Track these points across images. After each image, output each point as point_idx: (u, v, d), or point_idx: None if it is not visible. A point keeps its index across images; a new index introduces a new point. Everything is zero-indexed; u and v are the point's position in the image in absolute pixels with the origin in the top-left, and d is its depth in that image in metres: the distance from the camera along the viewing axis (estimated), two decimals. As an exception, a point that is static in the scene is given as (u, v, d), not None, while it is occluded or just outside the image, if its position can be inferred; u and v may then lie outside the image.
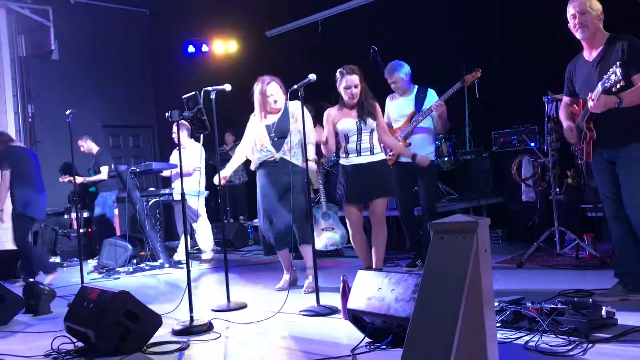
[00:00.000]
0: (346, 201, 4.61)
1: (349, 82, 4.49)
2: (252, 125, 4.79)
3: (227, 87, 4.42)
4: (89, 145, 8.17)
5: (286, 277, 4.83)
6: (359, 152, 4.55)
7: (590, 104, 3.37)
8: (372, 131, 4.54)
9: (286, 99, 4.59)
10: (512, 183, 6.29)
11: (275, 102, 4.63)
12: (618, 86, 3.20)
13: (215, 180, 4.72)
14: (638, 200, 3.41)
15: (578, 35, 3.51)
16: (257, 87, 4.67)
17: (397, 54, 5.33)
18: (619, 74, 3.14)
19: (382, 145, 4.70)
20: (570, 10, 3.50)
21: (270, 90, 4.62)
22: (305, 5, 8.67)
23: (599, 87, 3.28)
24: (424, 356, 1.90)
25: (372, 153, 4.55)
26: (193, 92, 4.23)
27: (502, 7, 6.71)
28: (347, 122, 4.55)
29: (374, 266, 4.59)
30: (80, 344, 3.36)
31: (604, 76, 3.25)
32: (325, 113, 4.67)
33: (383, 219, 4.60)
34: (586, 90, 3.49)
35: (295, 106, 4.56)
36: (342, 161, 4.67)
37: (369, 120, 4.50)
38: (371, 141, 4.54)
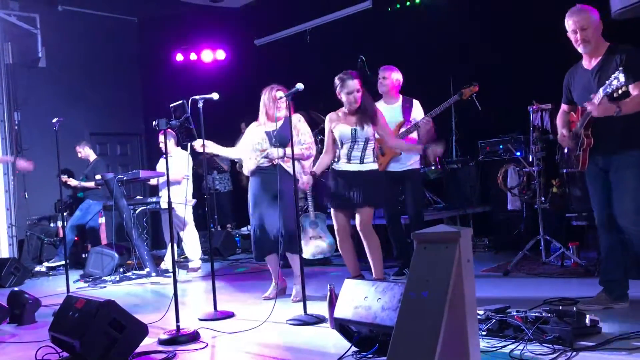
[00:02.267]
0: (331, 206, 4.61)
1: (350, 87, 4.41)
2: (251, 130, 4.85)
3: (215, 95, 4.43)
4: (86, 152, 8.11)
5: (273, 285, 4.82)
6: (348, 159, 4.47)
7: (589, 107, 3.40)
8: (367, 140, 4.43)
9: (288, 109, 4.50)
10: (498, 192, 6.34)
11: (279, 108, 4.66)
12: (620, 92, 3.25)
13: (198, 143, 4.61)
14: (626, 206, 3.44)
15: (580, 49, 3.53)
16: (266, 93, 4.74)
17: (385, 64, 5.37)
18: (622, 79, 3.18)
19: (375, 153, 4.58)
20: (571, 25, 3.50)
21: (279, 95, 4.67)
22: (294, 15, 8.71)
23: (601, 92, 3.31)
24: (408, 365, 1.92)
25: (361, 162, 4.45)
26: (180, 101, 4.23)
27: (488, 18, 6.78)
28: (343, 128, 4.47)
29: (373, 276, 4.49)
30: (65, 354, 3.34)
31: (606, 82, 3.29)
32: (327, 117, 4.65)
33: (366, 228, 4.45)
34: (584, 98, 3.52)
35: (297, 119, 4.66)
36: (333, 165, 4.64)
37: (366, 128, 4.41)
38: (364, 150, 4.44)
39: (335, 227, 4.61)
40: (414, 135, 5.20)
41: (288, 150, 4.52)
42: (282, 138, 4.63)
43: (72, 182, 7.89)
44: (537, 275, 4.93)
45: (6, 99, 8.72)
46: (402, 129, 5.18)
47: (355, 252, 4.66)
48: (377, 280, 3.48)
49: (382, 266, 4.49)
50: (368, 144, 4.45)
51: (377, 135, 4.55)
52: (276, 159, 4.66)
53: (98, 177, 7.11)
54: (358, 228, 4.47)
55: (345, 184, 4.49)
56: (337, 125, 4.52)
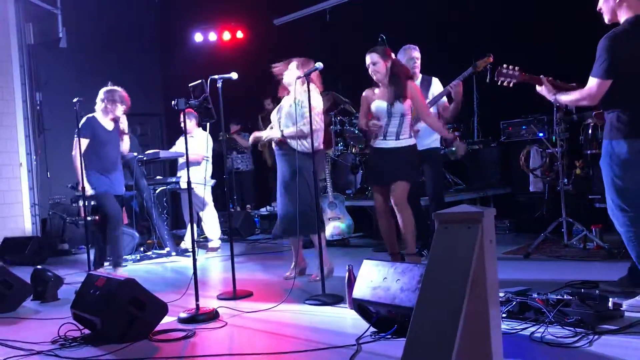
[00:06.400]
0: (369, 184, 4.67)
1: (367, 61, 4.53)
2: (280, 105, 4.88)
3: (234, 75, 4.42)
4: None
5: (294, 265, 4.83)
6: (384, 136, 4.55)
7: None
8: (402, 115, 4.48)
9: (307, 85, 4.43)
10: (520, 173, 6.25)
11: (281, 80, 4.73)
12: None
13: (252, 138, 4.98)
14: (608, 197, 3.32)
15: None
16: None
17: (405, 42, 5.28)
18: None
19: (412, 129, 4.63)
20: None
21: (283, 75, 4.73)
22: (313, -6, 8.62)
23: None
24: (427, 345, 1.90)
25: (397, 138, 4.52)
26: (199, 81, 4.22)
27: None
28: (380, 104, 4.55)
29: (407, 251, 4.57)
30: (86, 331, 3.39)
31: None
32: (362, 94, 4.71)
33: (400, 202, 4.47)
34: None
35: (304, 89, 4.53)
36: (371, 143, 4.69)
37: (397, 104, 4.46)
38: (400, 126, 4.50)
39: (375, 206, 4.69)
40: (434, 111, 5.14)
41: (286, 131, 4.59)
42: (288, 115, 4.63)
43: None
44: (559, 257, 4.87)
45: (28, 79, 8.79)
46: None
47: (394, 231, 4.67)
48: (396, 261, 3.45)
49: (414, 241, 4.55)
50: (405, 119, 4.50)
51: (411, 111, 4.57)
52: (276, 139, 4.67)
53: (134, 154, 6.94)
54: (392, 202, 4.52)
55: (382, 161, 4.57)
56: (374, 101, 4.57)
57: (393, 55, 4.59)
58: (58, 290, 4.64)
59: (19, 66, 8.68)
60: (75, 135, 5.28)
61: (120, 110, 5.41)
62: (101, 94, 5.44)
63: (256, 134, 5.01)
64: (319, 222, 4.39)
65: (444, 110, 5.17)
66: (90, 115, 5.42)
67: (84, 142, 5.27)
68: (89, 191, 5.24)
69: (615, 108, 3.21)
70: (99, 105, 5.40)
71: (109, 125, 5.48)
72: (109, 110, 5.36)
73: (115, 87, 5.47)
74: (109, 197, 5.33)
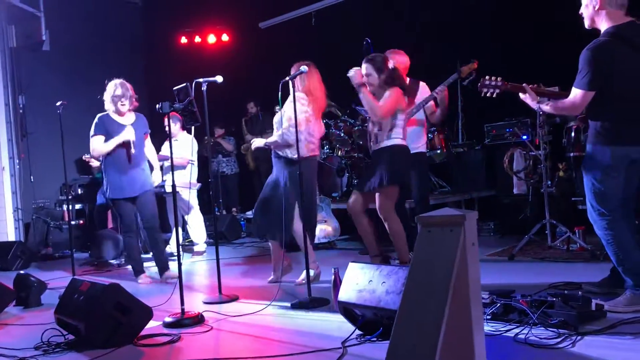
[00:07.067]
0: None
1: (362, 70, 4.46)
2: None
3: (219, 78, 4.40)
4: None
5: (276, 268, 4.81)
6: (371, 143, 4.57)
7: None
8: (379, 122, 4.43)
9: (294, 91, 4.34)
10: (504, 176, 6.30)
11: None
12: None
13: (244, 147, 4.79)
14: (587, 201, 3.37)
15: None
16: None
17: (391, 47, 5.30)
18: None
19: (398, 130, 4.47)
20: None
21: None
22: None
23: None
24: (410, 348, 1.91)
25: (376, 142, 4.48)
26: (184, 84, 4.22)
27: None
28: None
29: (399, 259, 4.52)
30: (70, 337, 3.36)
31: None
32: None
33: (383, 212, 4.37)
34: None
35: (288, 100, 4.52)
36: None
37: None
38: (379, 130, 4.44)
39: (348, 206, 4.58)
40: (419, 115, 5.16)
41: (269, 139, 4.59)
42: (280, 122, 4.62)
43: (94, 162, 7.79)
44: (543, 259, 4.91)
45: (10, 82, 8.70)
46: (407, 111, 5.12)
47: (370, 232, 4.56)
48: (382, 264, 3.46)
49: (407, 249, 4.43)
50: (382, 124, 4.42)
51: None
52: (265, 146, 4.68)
53: None
54: (379, 214, 4.41)
55: (366, 168, 4.52)
56: None
57: (391, 64, 4.48)
58: (41, 295, 4.59)
59: (1, 69, 8.58)
60: (91, 137, 5.14)
61: (122, 104, 5.14)
62: (108, 88, 5.20)
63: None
64: (309, 225, 4.40)
65: (431, 115, 5.21)
66: (100, 114, 5.20)
67: (100, 138, 5.07)
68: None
69: (599, 116, 3.26)
70: (107, 102, 5.17)
71: (124, 120, 5.20)
72: (112, 107, 5.15)
73: (116, 80, 5.21)
74: (120, 205, 5.14)
